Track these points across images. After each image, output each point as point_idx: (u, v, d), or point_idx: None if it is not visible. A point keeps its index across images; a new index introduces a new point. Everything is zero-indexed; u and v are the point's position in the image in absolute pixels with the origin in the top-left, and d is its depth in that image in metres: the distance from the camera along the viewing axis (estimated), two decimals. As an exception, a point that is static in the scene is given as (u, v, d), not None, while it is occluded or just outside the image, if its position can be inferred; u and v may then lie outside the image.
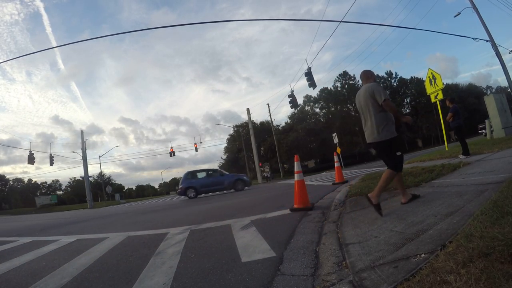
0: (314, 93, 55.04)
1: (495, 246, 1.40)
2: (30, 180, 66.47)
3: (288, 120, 52.53)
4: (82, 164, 31.77)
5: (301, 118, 49.99)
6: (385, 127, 3.19)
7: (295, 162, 4.71)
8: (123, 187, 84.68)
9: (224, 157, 62.45)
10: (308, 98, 52.08)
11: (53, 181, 72.41)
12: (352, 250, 2.18)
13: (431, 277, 1.38)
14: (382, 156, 3.37)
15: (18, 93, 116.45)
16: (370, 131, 3.29)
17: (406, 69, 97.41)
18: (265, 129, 48.04)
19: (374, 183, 4.97)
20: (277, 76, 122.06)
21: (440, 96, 9.41)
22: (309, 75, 15.60)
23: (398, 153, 3.20)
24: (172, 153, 32.95)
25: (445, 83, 13.79)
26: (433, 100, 9.79)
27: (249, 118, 33.40)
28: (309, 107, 52.72)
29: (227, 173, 16.67)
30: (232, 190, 15.30)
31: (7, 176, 63.66)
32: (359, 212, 3.40)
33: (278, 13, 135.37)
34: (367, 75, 3.54)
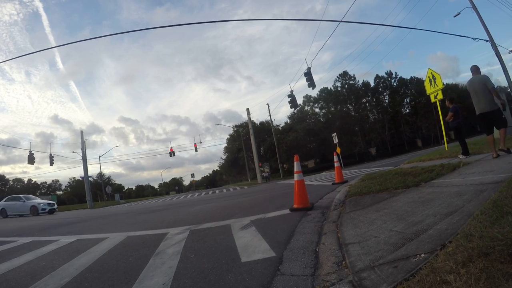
0: (314, 93, 55.13)
1: (494, 246, 1.40)
2: (30, 180, 66.62)
3: (288, 120, 52.63)
4: (82, 164, 31.79)
5: (301, 118, 49.99)
6: (494, 101, 5.32)
7: (295, 162, 4.71)
8: (123, 187, 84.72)
9: (224, 157, 62.55)
10: (308, 98, 52.14)
11: (52, 181, 72.48)
12: (352, 250, 2.18)
13: (431, 277, 1.37)
14: (495, 119, 5.50)
15: (17, 93, 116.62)
16: (486, 105, 5.42)
17: (407, 68, 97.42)
18: (265, 129, 48.10)
19: (374, 183, 4.97)
20: (279, 76, 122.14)
21: (440, 96, 9.41)
22: (308, 75, 15.60)
23: (503, 116, 5.63)
24: (172, 153, 32.97)
25: (445, 83, 13.78)
26: (432, 100, 9.79)
27: (249, 118, 33.41)
28: (308, 107, 52.75)
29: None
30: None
31: (7, 176, 63.81)
32: (358, 212, 3.40)
33: (281, 10, 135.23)
34: (477, 69, 5.76)
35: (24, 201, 18.14)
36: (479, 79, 5.53)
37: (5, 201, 18.81)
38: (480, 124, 5.98)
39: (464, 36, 42.56)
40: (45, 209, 17.81)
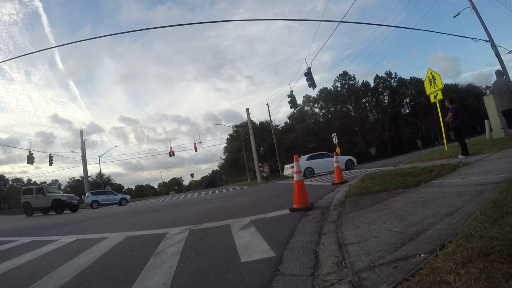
0: (313, 93, 55.09)
1: (494, 246, 1.40)
2: (29, 180, 66.35)
3: (288, 120, 52.58)
4: (82, 164, 31.81)
5: (301, 118, 49.97)
6: None
7: (294, 162, 4.71)
8: (123, 187, 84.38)
9: (224, 157, 62.46)
10: (307, 98, 52.09)
11: (52, 181, 72.03)
12: (352, 250, 2.18)
13: (430, 277, 1.38)
14: None
15: (17, 93, 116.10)
16: (509, 103, 6.26)
17: (408, 68, 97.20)
18: (264, 129, 48.04)
19: (373, 183, 4.97)
20: (279, 75, 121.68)
21: (440, 97, 9.40)
22: (309, 75, 15.60)
23: None
24: (171, 153, 32.97)
25: (445, 83, 13.76)
26: (432, 100, 9.78)
27: (249, 118, 33.41)
28: (308, 107, 52.72)
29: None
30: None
31: (6, 176, 63.78)
32: (358, 212, 3.40)
33: (283, 9, 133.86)
34: (500, 73, 6.86)
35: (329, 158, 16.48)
36: (504, 81, 6.52)
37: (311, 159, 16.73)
38: (507, 120, 6.85)
39: (464, 37, 42.59)
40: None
